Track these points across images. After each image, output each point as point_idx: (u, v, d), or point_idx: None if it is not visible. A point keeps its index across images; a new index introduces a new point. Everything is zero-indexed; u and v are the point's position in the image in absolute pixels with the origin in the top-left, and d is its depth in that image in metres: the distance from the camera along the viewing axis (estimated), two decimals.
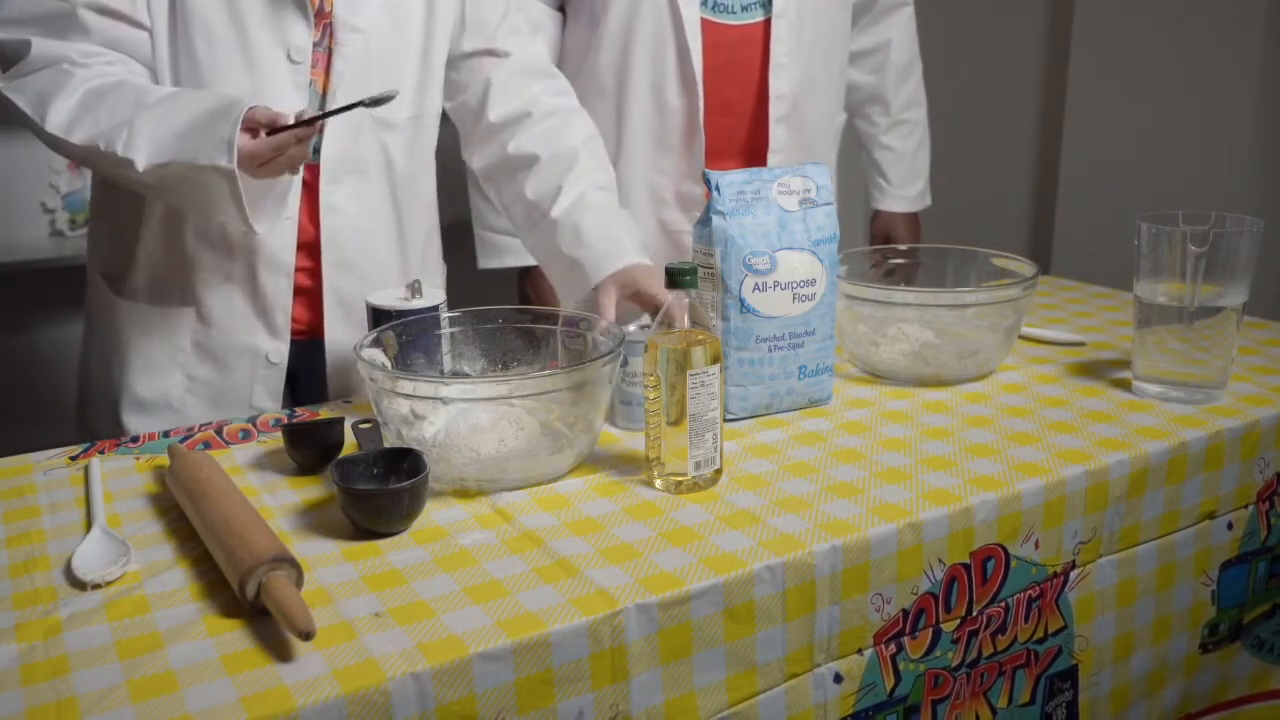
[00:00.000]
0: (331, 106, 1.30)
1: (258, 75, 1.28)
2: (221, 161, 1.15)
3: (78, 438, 1.35)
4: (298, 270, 1.37)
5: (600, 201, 1.37)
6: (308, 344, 1.41)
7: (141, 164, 1.17)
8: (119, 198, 1.34)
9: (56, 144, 1.23)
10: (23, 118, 1.24)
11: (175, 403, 1.38)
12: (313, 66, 1.32)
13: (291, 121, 1.17)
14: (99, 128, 1.19)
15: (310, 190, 1.35)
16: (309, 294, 1.40)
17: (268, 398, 1.40)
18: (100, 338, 1.41)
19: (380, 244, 1.43)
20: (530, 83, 1.45)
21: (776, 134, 1.68)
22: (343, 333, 1.40)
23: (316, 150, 1.33)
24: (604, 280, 1.28)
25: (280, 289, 1.36)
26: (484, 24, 1.44)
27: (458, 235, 1.76)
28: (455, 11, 1.42)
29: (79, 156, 1.26)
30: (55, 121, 1.20)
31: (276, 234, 1.33)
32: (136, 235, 1.35)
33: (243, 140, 1.15)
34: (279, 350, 1.38)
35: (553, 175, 1.38)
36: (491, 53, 1.44)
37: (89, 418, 1.46)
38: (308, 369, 1.42)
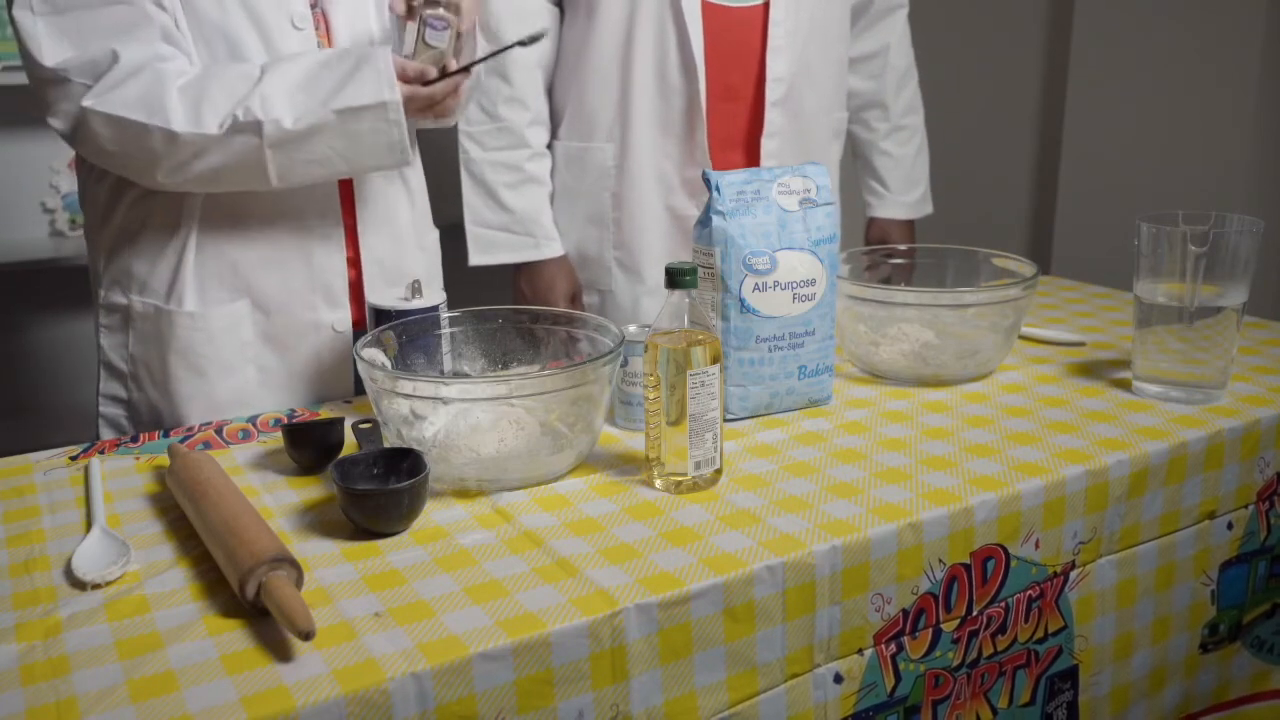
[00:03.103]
0: None
1: (271, 48, 1.28)
2: (385, 95, 1.19)
3: (78, 438, 1.34)
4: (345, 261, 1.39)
5: None
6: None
7: (289, 120, 1.18)
8: (145, 212, 1.32)
9: (171, 148, 1.18)
10: (117, 134, 1.18)
11: (251, 398, 1.37)
12: (315, 28, 1.33)
13: (437, 74, 1.24)
14: (222, 110, 1.18)
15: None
16: (354, 286, 1.41)
17: (339, 366, 1.40)
18: (152, 357, 1.35)
19: (399, 203, 1.44)
20: None
21: (772, 118, 1.68)
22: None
23: None
24: None
25: (333, 257, 1.37)
26: None
27: (454, 235, 1.76)
28: None
29: (193, 151, 1.19)
30: (180, 119, 1.17)
31: (318, 202, 1.35)
32: (177, 247, 1.31)
33: (400, 88, 1.20)
34: (342, 319, 1.39)
35: None
36: None
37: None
38: None
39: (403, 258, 1.46)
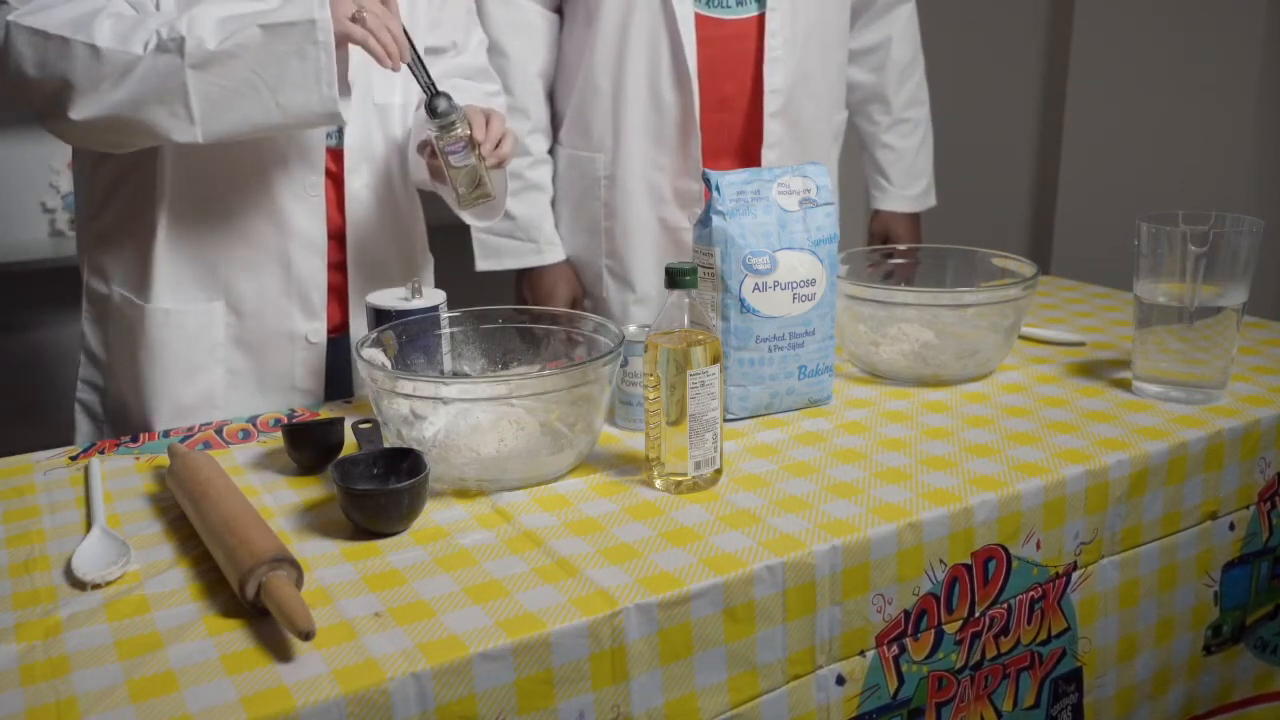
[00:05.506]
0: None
1: None
2: (314, 12, 1.14)
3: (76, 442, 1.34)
4: (330, 267, 1.38)
5: None
6: (338, 340, 1.43)
7: (213, 41, 1.13)
8: (132, 207, 1.32)
9: (91, 67, 1.14)
10: (38, 52, 1.15)
11: (218, 400, 1.36)
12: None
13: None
14: (151, 29, 1.14)
15: (335, 180, 1.37)
16: (338, 290, 1.41)
17: (309, 378, 1.40)
18: (125, 349, 1.36)
19: (388, 233, 1.45)
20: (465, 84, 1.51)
21: (771, 129, 1.68)
22: (364, 325, 1.41)
23: (341, 133, 1.36)
24: None
25: (315, 268, 1.36)
26: (446, 25, 1.49)
27: (456, 235, 1.76)
28: (426, 6, 1.44)
29: (114, 71, 1.15)
30: (106, 36, 1.14)
31: (307, 212, 1.34)
32: (157, 240, 1.31)
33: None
34: (317, 330, 1.39)
35: None
36: (453, 47, 1.50)
37: (114, 430, 1.40)
38: (342, 363, 1.44)
39: (390, 272, 1.45)
